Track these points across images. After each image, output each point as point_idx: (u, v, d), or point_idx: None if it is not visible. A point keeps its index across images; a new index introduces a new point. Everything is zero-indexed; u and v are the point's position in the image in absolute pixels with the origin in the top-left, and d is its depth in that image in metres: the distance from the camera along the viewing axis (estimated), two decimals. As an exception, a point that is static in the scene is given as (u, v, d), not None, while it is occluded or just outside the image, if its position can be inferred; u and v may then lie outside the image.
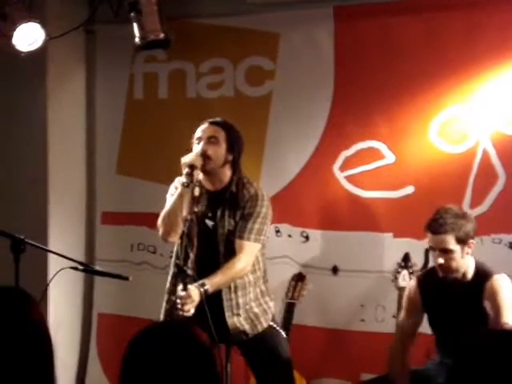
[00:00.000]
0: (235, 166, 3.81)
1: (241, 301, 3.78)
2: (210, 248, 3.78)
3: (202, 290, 3.58)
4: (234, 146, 3.79)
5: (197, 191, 3.68)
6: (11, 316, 1.87)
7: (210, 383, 1.85)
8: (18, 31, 4.43)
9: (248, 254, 3.74)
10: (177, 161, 4.77)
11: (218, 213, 3.77)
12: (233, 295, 3.77)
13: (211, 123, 3.83)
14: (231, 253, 3.74)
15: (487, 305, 3.58)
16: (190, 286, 3.57)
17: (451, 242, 3.56)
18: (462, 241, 3.57)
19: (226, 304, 3.76)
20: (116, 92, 5.22)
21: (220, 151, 3.76)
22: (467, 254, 3.61)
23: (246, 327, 3.80)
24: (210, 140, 3.76)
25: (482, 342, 1.80)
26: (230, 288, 3.75)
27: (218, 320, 3.66)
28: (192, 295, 3.55)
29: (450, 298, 3.68)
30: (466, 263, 3.63)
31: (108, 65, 5.23)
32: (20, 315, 1.88)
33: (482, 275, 3.63)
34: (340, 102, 4.63)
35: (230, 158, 3.78)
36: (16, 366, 1.81)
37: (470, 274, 3.65)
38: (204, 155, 3.72)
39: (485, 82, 4.30)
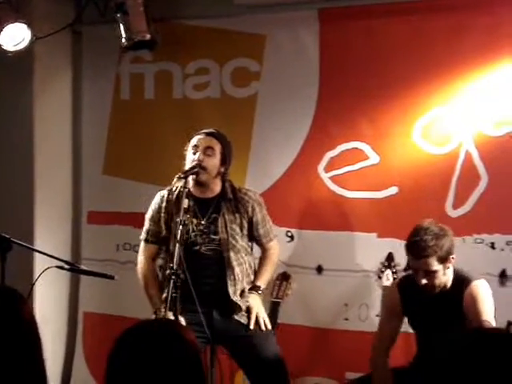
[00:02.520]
0: (225, 176, 3.93)
1: (239, 286, 3.93)
2: (209, 254, 3.89)
3: (259, 292, 3.99)
4: (227, 158, 3.90)
5: (185, 203, 3.73)
6: (3, 314, 1.89)
7: (195, 382, 1.86)
8: (4, 31, 4.45)
9: (277, 248, 4.15)
10: (162, 161, 4.82)
11: (219, 220, 3.89)
12: (235, 281, 3.93)
13: (207, 134, 3.90)
14: (237, 254, 3.91)
15: (467, 311, 3.57)
16: (250, 301, 3.92)
17: (434, 264, 3.54)
18: (444, 259, 3.56)
19: (230, 290, 3.90)
20: (102, 92, 5.23)
21: (215, 163, 3.87)
22: (447, 268, 3.61)
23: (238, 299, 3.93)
24: (207, 152, 3.85)
25: (461, 342, 1.82)
26: (234, 277, 3.92)
27: (222, 299, 3.87)
28: (254, 306, 3.92)
29: (430, 305, 3.68)
30: (447, 277, 3.64)
31: (94, 65, 5.24)
32: (12, 313, 1.90)
33: (461, 282, 3.63)
34: (325, 103, 4.66)
35: (222, 169, 3.90)
36: (8, 362, 1.83)
37: (450, 282, 3.66)
38: (200, 166, 3.79)
39: (468, 83, 4.33)
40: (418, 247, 3.53)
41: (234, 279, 3.90)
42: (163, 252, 3.99)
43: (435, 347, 3.53)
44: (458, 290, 3.62)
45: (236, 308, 3.90)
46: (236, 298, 3.90)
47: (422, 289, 3.61)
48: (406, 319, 3.87)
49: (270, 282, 4.22)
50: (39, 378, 1.89)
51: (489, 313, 3.55)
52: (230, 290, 3.88)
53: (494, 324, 3.54)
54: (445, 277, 3.61)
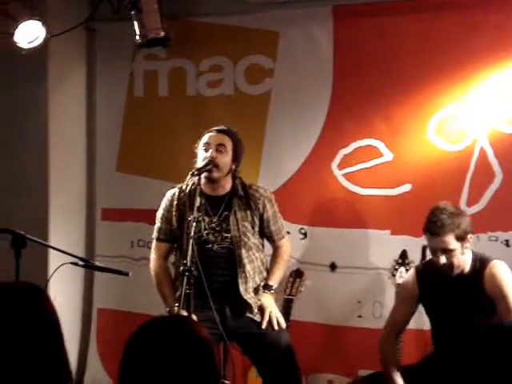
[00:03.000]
0: (236, 173, 3.93)
1: (251, 284, 3.93)
2: (221, 252, 3.89)
3: (271, 292, 3.99)
4: (238, 155, 3.90)
5: (198, 201, 3.74)
6: (30, 308, 1.92)
7: (209, 378, 1.86)
8: (19, 29, 4.46)
9: (289, 245, 4.14)
10: (176, 158, 4.83)
11: (231, 218, 3.89)
12: (247, 279, 3.93)
13: (218, 131, 3.90)
14: (249, 251, 3.91)
15: (489, 290, 3.60)
16: (263, 300, 3.93)
17: (452, 242, 3.58)
18: (461, 238, 3.60)
19: (241, 288, 3.90)
20: (116, 90, 5.24)
21: (227, 160, 3.87)
22: (466, 248, 3.64)
23: (252, 297, 3.93)
24: (219, 148, 3.85)
25: (479, 339, 1.81)
26: (245, 275, 3.92)
27: (233, 296, 3.87)
28: (267, 306, 3.92)
29: (450, 291, 3.69)
30: (465, 258, 3.67)
31: (108, 62, 5.25)
32: (38, 308, 1.93)
33: (480, 263, 3.66)
34: (338, 101, 4.65)
35: (234, 167, 3.89)
36: (35, 354, 1.85)
37: (469, 265, 3.68)
38: (213, 163, 3.79)
39: (482, 80, 4.32)
40: (435, 226, 3.58)
41: (246, 277, 3.90)
42: (175, 249, 4.00)
43: (455, 343, 3.52)
44: (477, 271, 3.65)
45: (247, 306, 3.91)
46: (248, 296, 3.91)
47: (441, 269, 3.63)
48: (420, 315, 3.87)
49: (283, 280, 4.22)
50: (64, 369, 1.91)
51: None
52: (241, 288, 3.89)
53: None
54: (463, 257, 3.63)
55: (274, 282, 4.02)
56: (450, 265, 3.61)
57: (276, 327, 3.91)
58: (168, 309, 3.85)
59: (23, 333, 1.86)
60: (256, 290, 3.96)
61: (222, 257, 3.90)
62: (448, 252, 3.59)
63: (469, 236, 3.63)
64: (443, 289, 3.72)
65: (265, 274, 4.03)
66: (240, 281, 3.89)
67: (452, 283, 3.68)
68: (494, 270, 3.64)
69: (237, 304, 3.91)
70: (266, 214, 3.96)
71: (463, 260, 3.64)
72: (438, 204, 3.67)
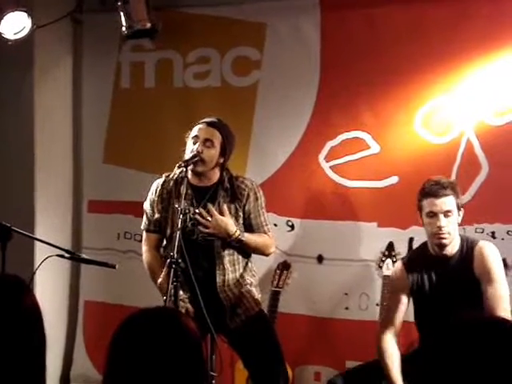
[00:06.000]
0: (224, 165, 3.90)
1: (231, 276, 3.88)
2: (204, 243, 3.86)
3: (238, 230, 3.81)
4: (227, 149, 3.87)
5: (183, 189, 3.73)
6: (8, 301, 1.89)
7: (196, 370, 1.85)
8: (5, 20, 4.44)
9: (271, 241, 3.97)
10: (163, 150, 4.82)
11: (214, 208, 3.84)
12: (225, 271, 3.87)
13: (208, 124, 3.87)
14: (229, 245, 3.86)
15: (477, 270, 3.61)
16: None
17: (453, 205, 3.61)
18: (458, 205, 3.65)
19: (218, 279, 3.87)
20: (103, 81, 5.22)
21: (214, 154, 3.84)
22: (459, 215, 3.67)
23: (232, 285, 3.90)
24: (206, 144, 3.82)
25: (462, 331, 1.81)
26: (223, 267, 3.87)
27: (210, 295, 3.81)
28: (215, 215, 3.78)
29: (438, 272, 3.70)
30: (456, 235, 3.68)
31: (95, 54, 5.23)
32: (12, 302, 1.90)
33: (469, 244, 3.68)
34: (326, 92, 4.65)
35: (221, 160, 3.87)
36: (8, 352, 1.83)
37: (457, 246, 3.69)
38: (198, 157, 3.77)
39: (469, 73, 4.33)
40: (437, 186, 3.60)
41: (223, 268, 3.87)
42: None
43: (439, 335, 3.52)
44: (466, 250, 3.67)
45: (222, 300, 3.90)
46: (225, 289, 3.88)
47: (436, 238, 3.62)
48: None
49: (270, 273, 4.21)
50: (39, 367, 1.89)
51: (499, 274, 3.60)
52: (218, 280, 3.87)
53: (505, 288, 3.59)
54: (457, 230, 3.65)
55: (246, 235, 3.89)
56: (447, 232, 3.61)
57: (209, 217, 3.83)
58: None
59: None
60: (237, 283, 3.92)
61: (204, 248, 3.86)
62: (448, 216, 3.60)
63: (462, 209, 3.68)
64: (431, 271, 3.71)
65: (243, 269, 3.96)
66: (218, 272, 3.86)
67: (440, 264, 3.68)
68: (484, 250, 3.65)
69: (217, 296, 3.89)
70: (248, 205, 3.90)
71: (456, 233, 3.66)
72: (431, 177, 3.69)
